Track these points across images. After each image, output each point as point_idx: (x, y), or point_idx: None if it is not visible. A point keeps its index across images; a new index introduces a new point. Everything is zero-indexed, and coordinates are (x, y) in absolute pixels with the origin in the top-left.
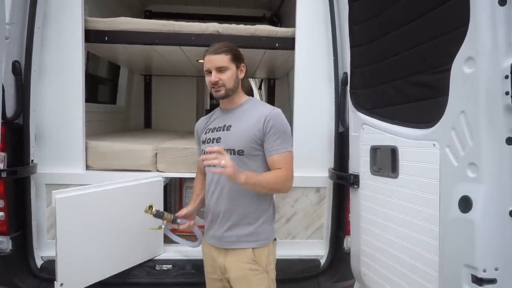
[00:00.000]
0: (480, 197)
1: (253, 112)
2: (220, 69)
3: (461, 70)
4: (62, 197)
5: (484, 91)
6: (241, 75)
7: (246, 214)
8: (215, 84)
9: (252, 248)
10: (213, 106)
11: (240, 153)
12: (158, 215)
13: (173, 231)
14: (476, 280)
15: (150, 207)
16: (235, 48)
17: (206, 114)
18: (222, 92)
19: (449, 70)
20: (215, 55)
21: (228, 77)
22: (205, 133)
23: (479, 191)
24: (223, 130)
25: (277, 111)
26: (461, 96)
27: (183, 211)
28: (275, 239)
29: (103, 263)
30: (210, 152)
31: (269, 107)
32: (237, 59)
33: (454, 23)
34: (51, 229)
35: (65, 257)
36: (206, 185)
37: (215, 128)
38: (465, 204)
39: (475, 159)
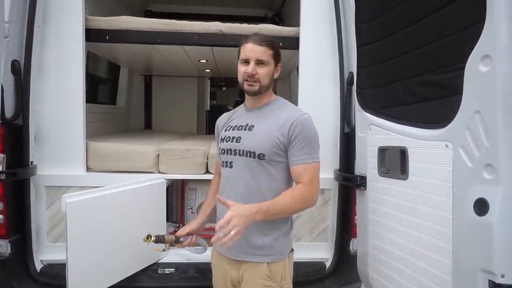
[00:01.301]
0: (497, 199)
1: (279, 113)
2: (260, 62)
3: (476, 68)
4: (73, 201)
5: (501, 90)
6: (276, 75)
7: (261, 224)
8: (251, 76)
9: (267, 263)
10: (214, 107)
11: (261, 157)
12: (158, 240)
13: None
14: (494, 285)
15: (149, 236)
16: (277, 45)
17: (206, 115)
18: (256, 87)
19: (462, 68)
20: (259, 46)
21: (266, 73)
22: (225, 130)
23: (496, 193)
24: (245, 129)
25: (306, 116)
26: (476, 95)
27: (186, 229)
28: (292, 250)
29: (112, 269)
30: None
31: (297, 110)
32: (277, 57)
33: (468, 20)
34: (50, 232)
35: (76, 264)
36: (219, 189)
37: (236, 126)
38: (481, 206)
39: (491, 160)
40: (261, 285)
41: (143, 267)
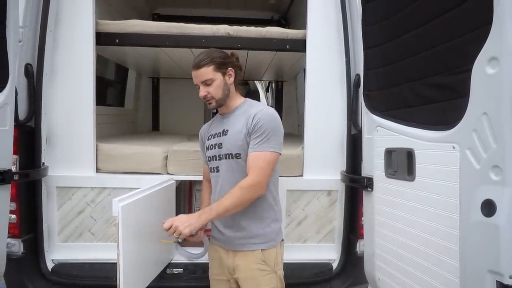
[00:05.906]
0: (505, 201)
1: (248, 112)
2: (206, 82)
3: (483, 70)
4: (125, 204)
5: (508, 92)
6: (231, 80)
7: (250, 215)
8: (204, 98)
9: (261, 249)
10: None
11: (238, 156)
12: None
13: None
14: (502, 287)
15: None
16: (216, 55)
17: (212, 117)
18: (213, 104)
19: (469, 70)
20: (197, 70)
21: (215, 89)
22: (208, 139)
23: (503, 194)
24: (222, 135)
25: (268, 110)
26: (483, 97)
27: None
28: (282, 240)
29: (148, 267)
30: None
31: (261, 106)
32: (221, 66)
33: (475, 23)
34: (61, 232)
35: (127, 268)
36: (212, 194)
37: (216, 133)
38: (489, 207)
39: (499, 162)
40: (256, 269)
41: (165, 265)
